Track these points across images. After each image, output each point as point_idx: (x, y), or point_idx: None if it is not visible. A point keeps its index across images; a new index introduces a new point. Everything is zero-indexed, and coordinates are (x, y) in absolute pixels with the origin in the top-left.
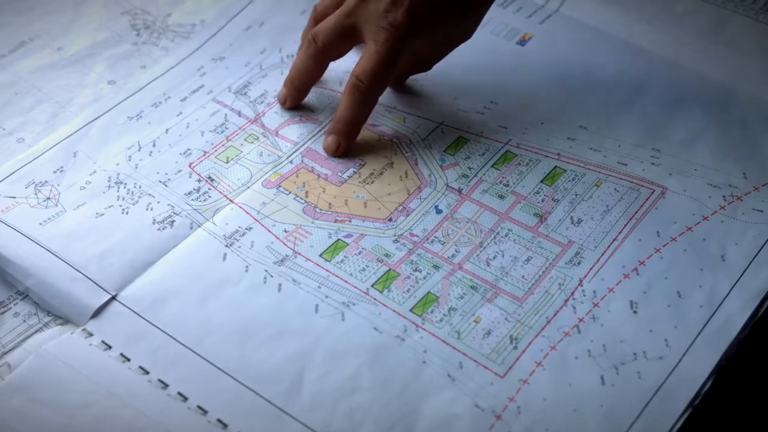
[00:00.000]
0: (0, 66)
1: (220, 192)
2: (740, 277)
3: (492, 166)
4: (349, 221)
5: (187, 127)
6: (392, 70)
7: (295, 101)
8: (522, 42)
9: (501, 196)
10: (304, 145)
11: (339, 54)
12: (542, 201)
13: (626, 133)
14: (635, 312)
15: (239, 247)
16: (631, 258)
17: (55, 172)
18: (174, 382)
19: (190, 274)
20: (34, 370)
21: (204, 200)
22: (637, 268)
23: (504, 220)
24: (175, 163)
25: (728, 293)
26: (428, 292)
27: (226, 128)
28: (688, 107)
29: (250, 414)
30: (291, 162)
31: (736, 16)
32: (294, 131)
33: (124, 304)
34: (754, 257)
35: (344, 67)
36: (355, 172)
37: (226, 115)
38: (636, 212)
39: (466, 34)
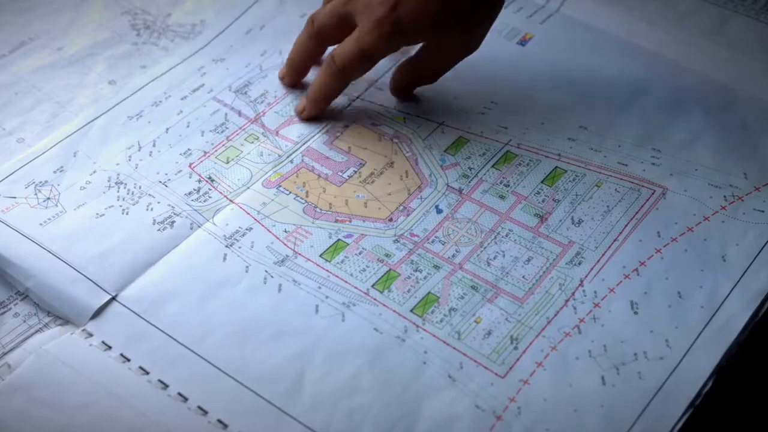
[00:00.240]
0: (0, 66)
1: (221, 192)
2: (741, 277)
3: (492, 166)
4: (350, 221)
5: (188, 126)
6: (367, 62)
7: (292, 78)
8: (522, 42)
9: (501, 197)
10: (304, 144)
11: (334, 39)
12: (543, 201)
13: (627, 133)
14: (636, 312)
15: (239, 247)
16: (632, 258)
17: (55, 172)
18: (174, 383)
19: (190, 274)
20: (34, 370)
21: (204, 200)
22: (638, 268)
23: (504, 221)
24: (175, 164)
25: (729, 294)
26: (429, 293)
27: (227, 128)
28: (689, 107)
29: (250, 414)
30: (291, 162)
31: (737, 16)
32: (294, 131)
33: (124, 305)
34: (755, 257)
35: None
36: (356, 172)
37: (226, 114)
38: (636, 212)
39: (466, 47)
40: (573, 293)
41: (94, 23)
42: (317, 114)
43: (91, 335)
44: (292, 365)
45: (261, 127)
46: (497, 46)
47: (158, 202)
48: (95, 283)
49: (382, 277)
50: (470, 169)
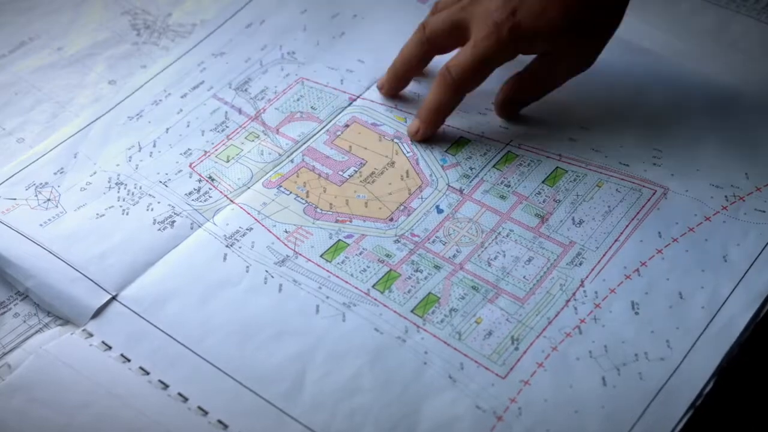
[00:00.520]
0: (0, 66)
1: (221, 192)
2: (742, 277)
3: (493, 166)
4: (350, 221)
5: (188, 126)
6: (484, 70)
7: (392, 87)
8: None
9: (502, 197)
10: (305, 143)
11: (444, 47)
12: (544, 202)
13: (628, 133)
14: (637, 313)
15: (240, 247)
16: (633, 259)
17: (55, 173)
18: (174, 383)
19: (190, 274)
20: (35, 370)
21: (204, 200)
22: (639, 268)
23: (505, 221)
24: (175, 163)
25: (730, 294)
26: (429, 293)
27: (227, 126)
28: (690, 108)
29: (250, 415)
30: (292, 161)
31: (739, 17)
32: (295, 129)
33: (124, 305)
34: (756, 258)
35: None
36: (356, 171)
37: (226, 112)
38: (637, 213)
39: (581, 61)
40: (574, 293)
41: (94, 23)
42: (432, 133)
43: (91, 335)
44: (293, 365)
45: (261, 125)
46: None
47: (158, 202)
48: (95, 283)
49: (382, 277)
50: (471, 169)
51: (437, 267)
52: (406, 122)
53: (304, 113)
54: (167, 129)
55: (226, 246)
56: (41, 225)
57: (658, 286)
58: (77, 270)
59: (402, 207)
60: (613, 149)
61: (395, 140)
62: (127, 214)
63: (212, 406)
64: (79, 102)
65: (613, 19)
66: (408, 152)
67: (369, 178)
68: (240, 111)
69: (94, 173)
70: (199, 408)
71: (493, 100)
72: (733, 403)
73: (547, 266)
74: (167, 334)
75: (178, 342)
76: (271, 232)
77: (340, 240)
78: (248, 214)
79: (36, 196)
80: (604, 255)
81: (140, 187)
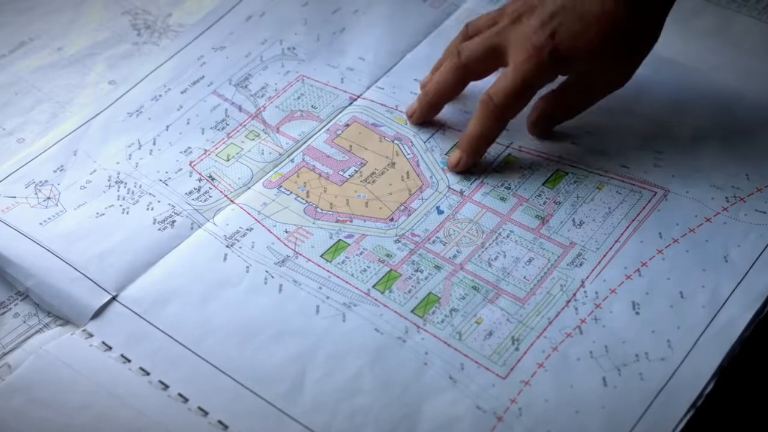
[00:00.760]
0: (0, 66)
1: (221, 191)
2: (743, 278)
3: (494, 169)
4: (351, 221)
5: (188, 123)
6: (526, 94)
7: (424, 115)
8: None
9: (503, 199)
10: (305, 143)
11: (480, 73)
12: (544, 203)
13: (629, 135)
14: (637, 313)
15: (240, 247)
16: (633, 259)
17: (55, 171)
18: (174, 383)
19: (190, 274)
20: (35, 370)
21: (205, 200)
22: (639, 269)
23: (506, 222)
24: (175, 162)
25: (731, 294)
26: (430, 293)
27: (227, 124)
28: (691, 108)
29: (250, 415)
30: (292, 161)
31: (740, 17)
32: (295, 128)
33: (124, 305)
34: (757, 258)
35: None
36: (357, 171)
37: (226, 110)
38: (638, 214)
39: (616, 80)
40: (574, 294)
41: (94, 23)
42: (474, 163)
43: (91, 335)
44: (293, 366)
45: (262, 123)
46: None
47: (158, 201)
48: (95, 283)
49: (383, 277)
50: (471, 171)
51: (438, 267)
52: (406, 124)
53: (305, 112)
54: (167, 126)
55: (227, 246)
56: (41, 224)
57: (658, 286)
58: (77, 270)
59: (402, 207)
60: (613, 151)
61: (395, 141)
62: (127, 213)
63: (212, 406)
64: (79, 102)
65: (650, 38)
66: (408, 154)
67: (369, 178)
68: (240, 108)
69: (94, 171)
70: (200, 408)
71: (527, 117)
72: (734, 403)
73: (547, 267)
74: (167, 335)
75: (179, 342)
76: (271, 232)
77: (340, 240)
78: (248, 214)
79: (36, 194)
80: (604, 255)
81: (140, 186)
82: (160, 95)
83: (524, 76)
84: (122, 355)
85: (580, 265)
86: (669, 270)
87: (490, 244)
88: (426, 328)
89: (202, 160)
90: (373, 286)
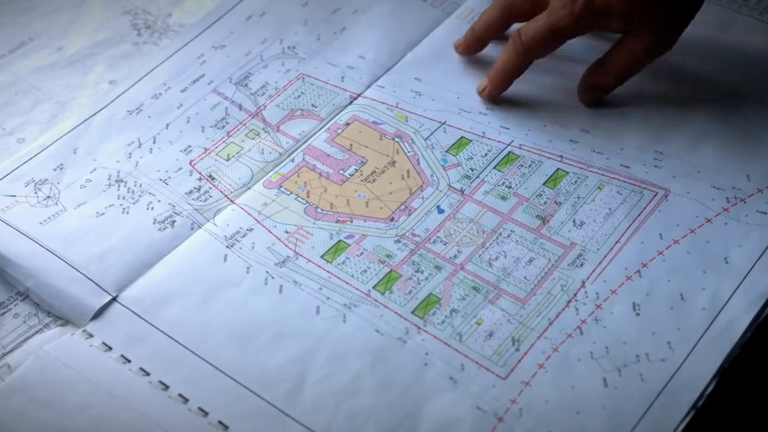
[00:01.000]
0: (0, 66)
1: (221, 191)
2: (743, 279)
3: (494, 167)
4: (351, 221)
5: (188, 121)
6: (554, 40)
7: (469, 47)
8: None
9: (503, 198)
10: (305, 142)
11: (523, 14)
12: (545, 203)
13: (629, 135)
14: (638, 314)
15: (240, 248)
16: (634, 260)
17: (55, 169)
18: (175, 384)
19: (190, 275)
20: (35, 371)
21: (205, 200)
22: (640, 270)
23: (506, 222)
24: (175, 161)
25: (731, 295)
26: (430, 294)
27: (227, 123)
28: (692, 109)
29: (251, 416)
30: (292, 160)
31: (741, 17)
32: (295, 126)
33: (124, 306)
34: (758, 259)
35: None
36: (357, 170)
37: (226, 108)
38: (639, 215)
39: (658, 44)
40: (575, 294)
41: (94, 23)
42: (499, 93)
43: (91, 336)
44: (293, 366)
45: (262, 122)
46: (499, 50)
47: (159, 201)
48: (96, 283)
49: (383, 278)
50: (472, 170)
51: (438, 267)
52: (407, 121)
53: (305, 111)
54: (167, 125)
55: (227, 247)
56: (41, 223)
57: (659, 288)
58: (77, 270)
59: (403, 207)
60: (614, 151)
61: (396, 139)
62: (127, 213)
63: (213, 407)
64: (79, 102)
65: (692, 1)
66: (409, 152)
67: (370, 177)
68: (240, 107)
69: (94, 170)
70: (200, 409)
71: (577, 86)
72: (734, 404)
73: (548, 267)
74: (168, 336)
75: (179, 343)
76: (271, 232)
77: (340, 240)
78: (249, 214)
79: (36, 193)
80: (605, 256)
81: (140, 185)
82: (160, 93)
83: (555, 21)
84: (122, 356)
85: (581, 265)
86: (669, 271)
87: (490, 244)
88: (426, 329)
89: (202, 159)
90: (374, 287)
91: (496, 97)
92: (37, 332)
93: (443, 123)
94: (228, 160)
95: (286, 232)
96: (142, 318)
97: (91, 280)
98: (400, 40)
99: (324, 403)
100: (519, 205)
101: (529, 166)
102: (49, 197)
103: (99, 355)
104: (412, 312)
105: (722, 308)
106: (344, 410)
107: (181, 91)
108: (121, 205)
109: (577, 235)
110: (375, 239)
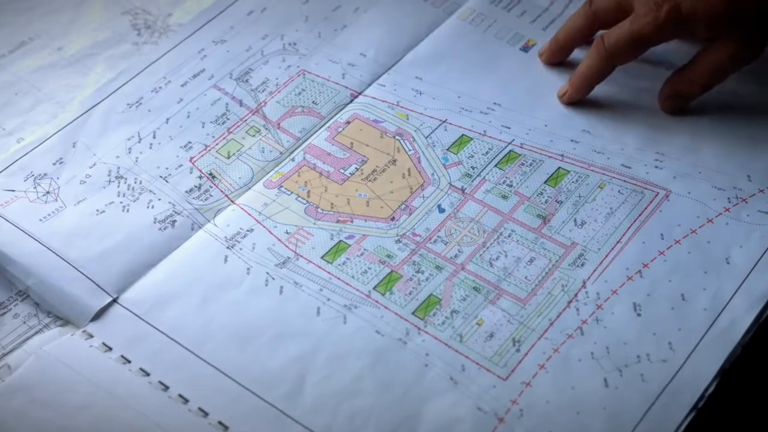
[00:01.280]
0: (0, 66)
1: (221, 191)
2: (744, 279)
3: (495, 165)
4: (351, 221)
5: (188, 116)
6: (638, 47)
7: (554, 56)
8: (525, 48)
9: (504, 197)
10: (305, 141)
11: (608, 22)
12: (546, 202)
13: (630, 136)
14: (639, 314)
15: (240, 249)
16: (635, 260)
17: (54, 163)
18: (175, 384)
19: (191, 276)
20: (35, 371)
21: (205, 199)
22: (641, 270)
23: (507, 221)
24: (175, 157)
25: (732, 296)
26: (430, 295)
27: (227, 119)
28: (692, 109)
29: (251, 416)
30: (293, 160)
31: None
32: (296, 124)
33: (124, 307)
34: (759, 260)
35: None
36: (357, 169)
37: (227, 104)
38: (640, 215)
39: (745, 52)
40: (576, 295)
41: (94, 23)
42: (579, 98)
43: (91, 336)
44: (294, 367)
45: (262, 119)
46: (500, 50)
47: (159, 200)
48: (96, 284)
49: (383, 279)
50: (473, 168)
51: (438, 268)
52: (408, 119)
53: (305, 108)
54: (167, 119)
55: (227, 248)
56: (41, 220)
57: (660, 288)
58: (78, 269)
59: (404, 206)
60: (615, 151)
61: (397, 137)
62: (128, 211)
63: (213, 407)
64: (80, 102)
65: None
66: (410, 150)
67: (371, 176)
68: (241, 103)
69: (94, 164)
70: (200, 409)
71: (660, 92)
72: (735, 405)
73: (548, 267)
74: (168, 337)
75: (179, 344)
76: (272, 233)
77: (341, 241)
78: (249, 215)
79: (35, 188)
80: (606, 256)
81: (140, 182)
82: (160, 87)
83: (639, 28)
84: (122, 356)
85: (582, 265)
86: (670, 272)
87: (491, 244)
88: (427, 330)
89: (202, 156)
90: (374, 288)
91: (576, 102)
92: (37, 332)
93: (444, 121)
94: (228, 158)
95: (287, 233)
96: (143, 319)
97: (91, 280)
98: (401, 40)
99: (324, 403)
100: (520, 204)
101: (530, 164)
102: (48, 192)
103: (99, 356)
104: (413, 313)
105: (723, 309)
106: (344, 411)
107: (182, 86)
108: (121, 202)
109: (578, 235)
110: (376, 239)
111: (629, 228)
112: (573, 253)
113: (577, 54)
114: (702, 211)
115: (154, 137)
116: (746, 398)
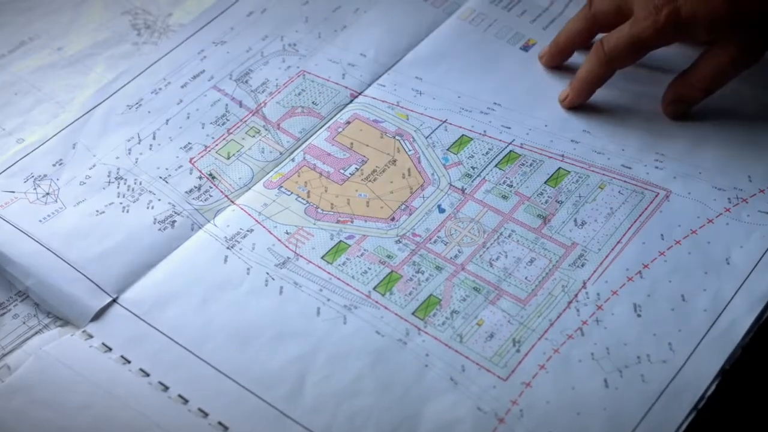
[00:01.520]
0: (0, 66)
1: (221, 191)
2: (745, 280)
3: (495, 165)
4: (351, 222)
5: (188, 117)
6: (637, 51)
7: (553, 59)
8: (525, 47)
9: (504, 197)
10: (305, 141)
11: (608, 25)
12: (546, 202)
13: (630, 136)
14: (639, 315)
15: (240, 249)
16: (635, 261)
17: (54, 165)
18: (174, 385)
19: (191, 276)
20: (34, 371)
21: (205, 199)
22: (641, 270)
23: (507, 221)
24: (175, 158)
25: (733, 296)
26: (431, 295)
27: (227, 119)
28: (693, 109)
29: (251, 417)
30: (293, 160)
31: None
32: (296, 124)
33: (124, 307)
34: (759, 260)
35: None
36: (357, 169)
37: (227, 105)
38: (640, 215)
39: (745, 56)
40: (576, 295)
41: (94, 23)
42: (580, 102)
43: (91, 337)
44: (294, 368)
45: (262, 120)
46: (501, 50)
47: (159, 200)
48: (96, 284)
49: (383, 279)
50: (473, 168)
51: (439, 268)
52: (408, 120)
53: (305, 108)
54: (167, 120)
55: (227, 248)
56: (40, 221)
57: (660, 289)
58: (77, 270)
59: (404, 206)
60: (615, 151)
61: (397, 137)
62: (127, 211)
63: (212, 407)
64: (80, 102)
65: None
66: (410, 150)
67: (371, 176)
68: (240, 104)
69: (94, 166)
70: (200, 410)
71: (662, 97)
72: (735, 406)
73: (549, 267)
74: (168, 337)
75: (179, 344)
76: (271, 233)
77: (341, 241)
78: (249, 215)
79: (35, 189)
80: (606, 257)
81: (140, 183)
82: (160, 88)
83: (639, 32)
84: (122, 357)
85: (582, 266)
86: (671, 272)
87: (491, 244)
88: (427, 330)
89: (202, 156)
90: (374, 288)
91: (577, 106)
92: (36, 333)
93: (444, 121)
94: (228, 158)
95: (287, 233)
96: (143, 320)
97: (91, 280)
98: (401, 40)
99: (324, 404)
100: (520, 204)
101: (531, 165)
102: (48, 194)
103: (99, 356)
104: (413, 313)
105: (724, 309)
106: (344, 411)
107: (181, 87)
108: (121, 203)
109: (578, 235)
110: (376, 239)
111: (629, 228)
112: (573, 254)
113: (577, 57)
114: (702, 211)
115: (153, 138)
116: (747, 399)
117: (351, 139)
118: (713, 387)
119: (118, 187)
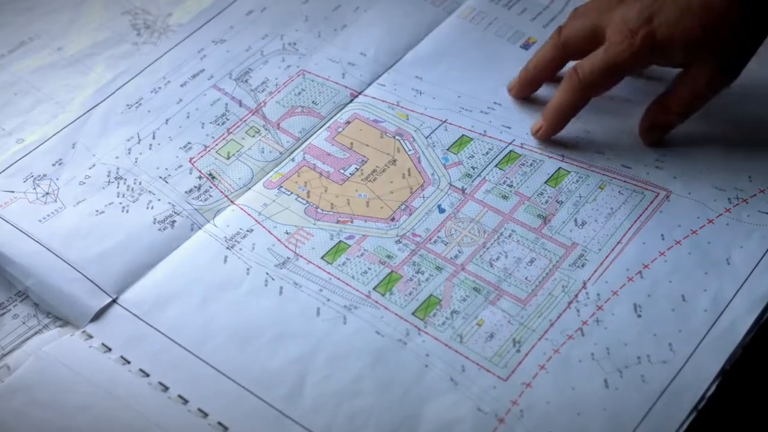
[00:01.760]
0: (0, 66)
1: (221, 191)
2: (745, 280)
3: (496, 165)
4: (351, 222)
5: (188, 117)
6: (613, 76)
7: (523, 90)
8: (526, 46)
9: (504, 197)
10: (305, 141)
11: (579, 52)
12: (546, 202)
13: (631, 135)
14: (639, 315)
15: (240, 249)
16: (635, 261)
17: (53, 164)
18: (174, 385)
19: (190, 276)
20: (34, 371)
21: (205, 199)
22: (641, 271)
23: (507, 221)
24: (175, 158)
25: (733, 297)
26: (431, 295)
27: (227, 119)
28: None
29: (250, 417)
30: (293, 160)
31: None
32: (296, 124)
33: (124, 307)
34: (760, 260)
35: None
36: (357, 169)
37: (226, 104)
38: (640, 215)
39: (721, 76)
40: (576, 295)
41: (94, 23)
42: (554, 133)
43: (90, 337)
44: (293, 368)
45: (262, 119)
46: (501, 48)
47: (158, 200)
48: (96, 285)
49: (383, 279)
50: (473, 168)
51: (439, 268)
52: (408, 120)
53: (305, 108)
54: (167, 120)
55: (227, 248)
56: (40, 220)
57: (660, 289)
58: (77, 270)
59: (404, 206)
60: (615, 151)
61: (397, 137)
62: (127, 211)
63: (212, 408)
64: (80, 102)
65: (759, 33)
66: (410, 150)
67: (370, 176)
68: (240, 103)
69: (93, 165)
70: (200, 410)
71: (638, 125)
72: (735, 406)
73: (549, 267)
74: (168, 337)
75: (179, 345)
76: (271, 233)
77: (341, 241)
78: (249, 215)
79: (34, 189)
80: (606, 257)
81: (140, 183)
82: (160, 87)
83: (614, 57)
84: (122, 357)
85: (582, 266)
86: (671, 272)
87: (491, 244)
88: (427, 330)
89: (202, 156)
90: (374, 288)
91: (552, 136)
92: (36, 333)
93: (444, 121)
94: (228, 158)
95: (287, 233)
96: (142, 320)
97: (90, 280)
98: (401, 39)
99: (324, 404)
100: (520, 204)
101: (531, 165)
102: (48, 193)
103: (98, 356)
104: (413, 313)
105: (724, 309)
106: (344, 411)
107: (181, 86)
108: (120, 203)
109: (578, 235)
110: (376, 240)
111: (630, 228)
112: (573, 254)
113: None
114: (702, 211)
115: (153, 138)
116: (747, 399)
117: (351, 139)
118: (713, 387)
119: (117, 187)
